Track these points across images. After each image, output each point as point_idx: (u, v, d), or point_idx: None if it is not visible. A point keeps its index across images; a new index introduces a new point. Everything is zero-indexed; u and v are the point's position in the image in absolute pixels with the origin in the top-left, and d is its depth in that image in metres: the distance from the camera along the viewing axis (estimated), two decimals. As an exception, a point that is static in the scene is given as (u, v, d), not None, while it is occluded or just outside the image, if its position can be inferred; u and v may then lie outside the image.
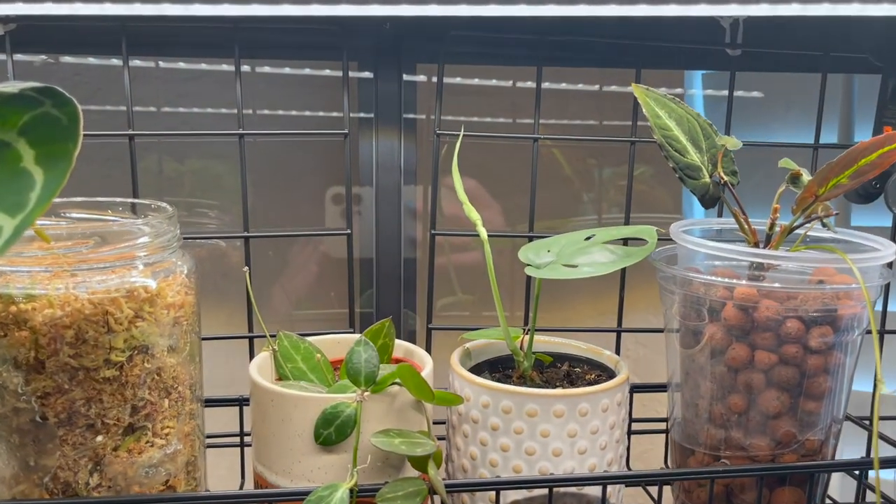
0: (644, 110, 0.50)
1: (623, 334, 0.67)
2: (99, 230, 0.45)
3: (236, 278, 0.78)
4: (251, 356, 0.61)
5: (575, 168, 0.82)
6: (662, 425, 0.65)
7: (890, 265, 0.52)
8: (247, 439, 0.61)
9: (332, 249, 0.79)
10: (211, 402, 0.58)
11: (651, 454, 0.83)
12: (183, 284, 0.47)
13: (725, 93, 0.64)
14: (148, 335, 0.45)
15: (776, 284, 0.47)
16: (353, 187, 0.66)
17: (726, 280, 0.48)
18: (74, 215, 0.50)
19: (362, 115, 0.71)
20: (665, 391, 0.58)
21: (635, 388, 0.63)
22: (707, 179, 0.50)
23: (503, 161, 0.82)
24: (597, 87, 0.81)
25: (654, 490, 0.59)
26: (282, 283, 0.79)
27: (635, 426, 0.65)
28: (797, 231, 0.51)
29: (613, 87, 0.82)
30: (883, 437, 0.55)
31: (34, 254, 0.43)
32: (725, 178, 0.50)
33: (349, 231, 0.58)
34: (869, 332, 0.48)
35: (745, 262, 0.49)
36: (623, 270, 0.65)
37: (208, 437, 0.54)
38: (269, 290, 0.80)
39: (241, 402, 0.60)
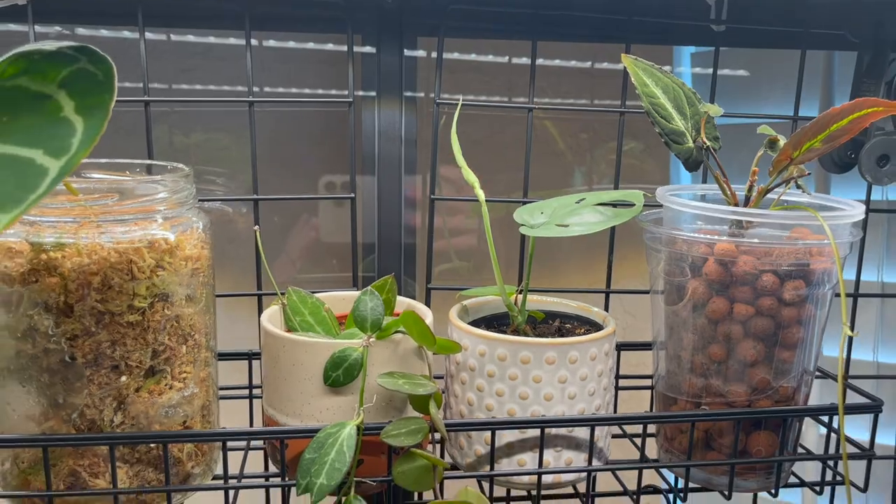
0: (632, 79, 0.53)
1: (612, 302, 0.70)
2: (122, 185, 0.48)
3: (243, 242, 0.81)
4: (259, 314, 0.64)
5: (567, 143, 0.85)
6: (648, 382, 0.69)
7: (864, 226, 0.56)
8: (256, 392, 0.64)
9: (328, 234, 0.82)
10: (222, 357, 0.61)
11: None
12: (199, 239, 0.50)
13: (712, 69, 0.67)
14: (168, 284, 0.48)
15: (755, 240, 0.50)
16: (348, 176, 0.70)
17: (708, 237, 0.51)
18: (95, 176, 0.53)
19: (363, 93, 0.74)
20: (650, 349, 0.62)
21: (622, 347, 0.67)
22: (691, 144, 0.54)
23: (497, 137, 0.85)
24: (589, 63, 0.84)
25: (639, 441, 0.62)
26: (286, 250, 0.82)
27: (622, 382, 0.68)
28: (771, 196, 0.55)
29: (605, 65, 0.86)
30: (851, 387, 0.58)
31: (63, 205, 0.46)
32: (708, 143, 0.53)
33: (353, 195, 0.62)
34: (839, 294, 0.52)
35: (726, 220, 0.52)
36: (612, 236, 0.68)
37: (219, 389, 0.57)
38: (275, 255, 0.83)
39: (250, 357, 0.63)
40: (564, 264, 0.91)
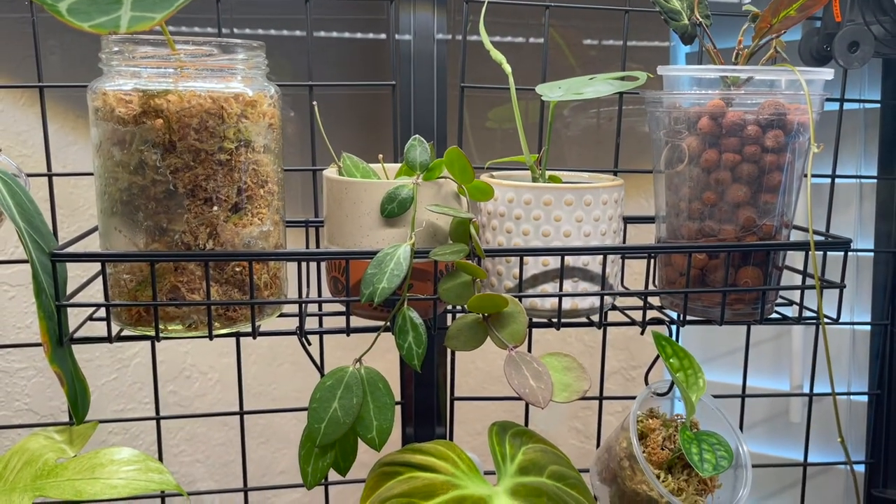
0: (636, -34, 0.63)
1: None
2: (214, 45, 0.57)
3: (292, 145, 0.90)
4: (315, 192, 0.74)
5: (578, 59, 0.95)
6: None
7: (839, 120, 0.65)
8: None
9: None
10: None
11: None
12: (272, 100, 0.60)
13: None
14: (250, 132, 0.57)
15: (742, 91, 0.59)
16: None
17: (701, 92, 0.61)
18: (183, 47, 0.62)
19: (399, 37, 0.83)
20: (653, 223, 0.71)
21: (628, 220, 0.76)
22: (686, 21, 0.63)
23: (518, 63, 0.95)
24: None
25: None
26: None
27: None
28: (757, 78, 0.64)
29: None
30: (823, 234, 0.68)
31: (168, 58, 0.55)
32: (701, 19, 0.63)
33: (394, 82, 0.71)
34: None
35: (717, 82, 0.62)
36: (619, 124, 0.77)
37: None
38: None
39: (306, 224, 0.73)
40: (573, 162, 1.01)
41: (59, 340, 0.57)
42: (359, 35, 0.96)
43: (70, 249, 0.59)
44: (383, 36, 0.96)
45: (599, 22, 0.99)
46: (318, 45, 0.94)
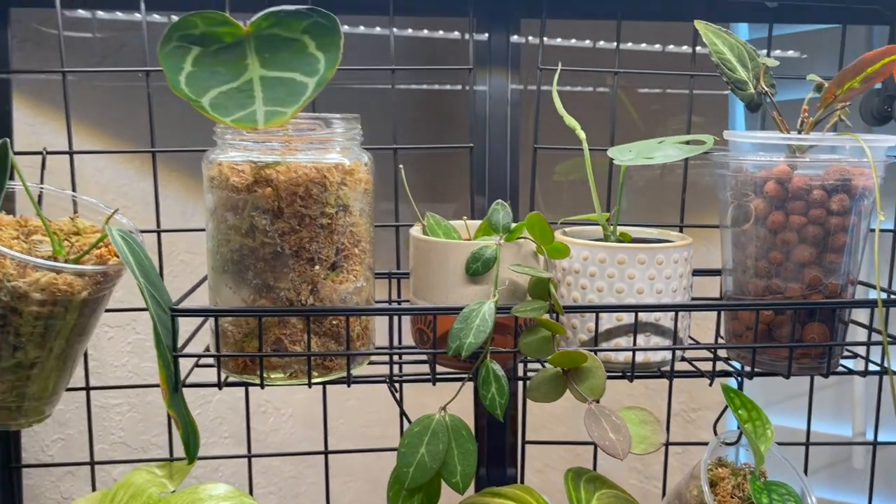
0: (704, 39, 0.67)
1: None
2: (317, 121, 0.63)
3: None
4: (398, 246, 0.79)
5: (640, 112, 0.99)
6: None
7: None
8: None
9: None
10: (367, 275, 0.76)
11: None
12: (367, 167, 0.65)
13: (765, 49, 0.80)
14: (348, 197, 0.63)
15: (806, 159, 0.63)
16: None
17: (767, 159, 0.64)
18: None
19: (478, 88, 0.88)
20: (718, 275, 0.74)
21: (695, 273, 0.80)
22: (752, 91, 0.67)
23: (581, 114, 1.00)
24: (658, 46, 0.98)
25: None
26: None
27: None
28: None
29: (671, 47, 0.99)
30: (891, 291, 0.70)
31: (275, 133, 0.61)
32: (766, 89, 0.67)
33: (472, 145, 0.76)
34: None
35: (782, 148, 0.65)
36: (684, 183, 0.81)
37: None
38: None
39: (389, 276, 0.78)
40: (637, 213, 1.05)
41: (175, 387, 0.62)
42: (436, 87, 1.01)
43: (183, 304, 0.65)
44: (459, 87, 1.01)
45: (660, 76, 1.04)
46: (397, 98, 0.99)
